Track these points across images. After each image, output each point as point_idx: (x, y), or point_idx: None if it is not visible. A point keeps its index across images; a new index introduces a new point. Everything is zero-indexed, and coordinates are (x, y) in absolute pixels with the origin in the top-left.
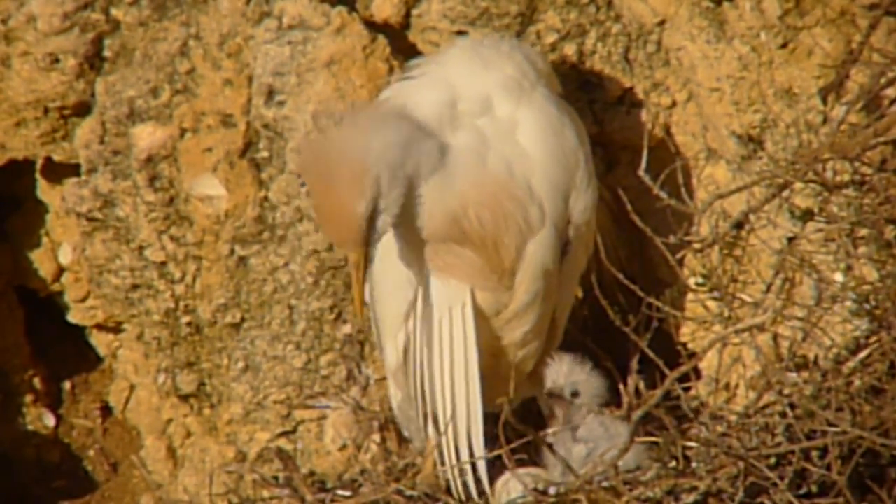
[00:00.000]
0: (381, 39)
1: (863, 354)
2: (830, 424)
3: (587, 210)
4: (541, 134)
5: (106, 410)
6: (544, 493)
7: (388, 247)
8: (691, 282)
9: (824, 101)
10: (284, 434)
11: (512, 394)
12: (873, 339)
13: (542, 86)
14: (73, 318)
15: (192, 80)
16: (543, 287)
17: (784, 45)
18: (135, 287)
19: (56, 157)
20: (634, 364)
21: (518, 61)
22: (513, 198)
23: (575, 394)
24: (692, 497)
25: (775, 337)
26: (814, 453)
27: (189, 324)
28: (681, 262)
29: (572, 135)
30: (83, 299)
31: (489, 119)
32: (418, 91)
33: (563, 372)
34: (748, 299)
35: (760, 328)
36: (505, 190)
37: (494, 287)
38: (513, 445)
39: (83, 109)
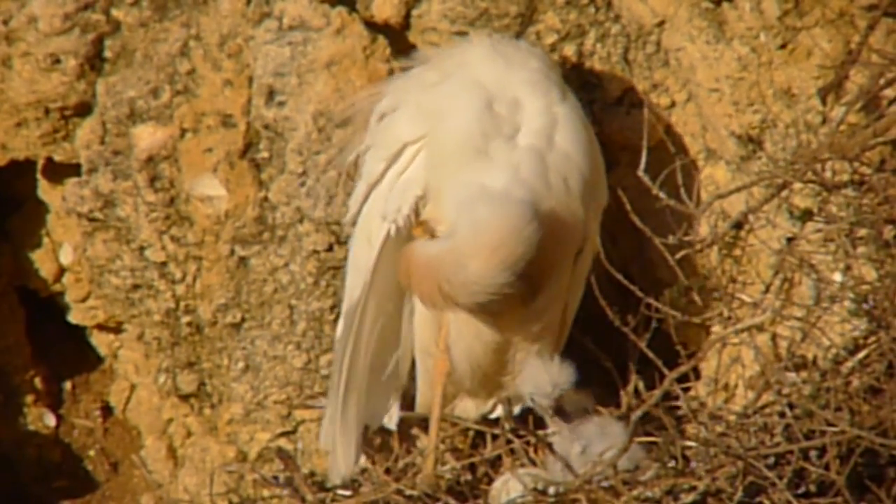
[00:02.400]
0: (382, 40)
1: (861, 354)
2: (829, 424)
3: (602, 207)
4: (577, 134)
5: (106, 410)
6: (544, 492)
7: (365, 223)
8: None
9: (823, 102)
10: (285, 434)
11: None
12: (872, 339)
13: (564, 83)
14: (73, 318)
15: (192, 80)
16: (559, 287)
17: (783, 46)
18: (135, 287)
19: (57, 158)
20: (633, 364)
21: (540, 55)
22: (571, 215)
23: (563, 397)
24: (691, 497)
25: (774, 337)
26: (812, 453)
27: (189, 324)
28: (680, 263)
29: (592, 131)
30: (84, 299)
31: (523, 120)
32: (454, 96)
33: (542, 383)
34: (747, 299)
35: (759, 328)
36: (566, 207)
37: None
38: (512, 446)
39: (84, 110)
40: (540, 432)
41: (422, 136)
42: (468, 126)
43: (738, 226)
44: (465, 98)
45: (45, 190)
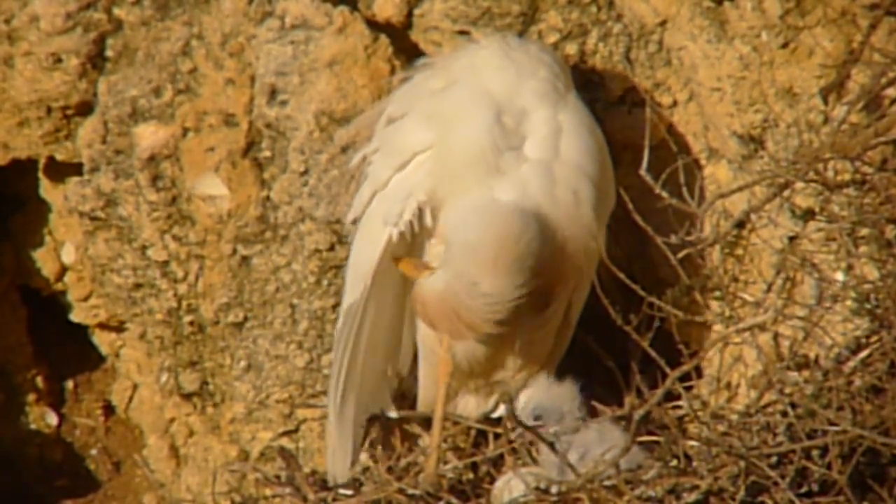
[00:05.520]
0: (384, 39)
1: (863, 354)
2: (831, 423)
3: (610, 211)
4: (584, 142)
5: (108, 409)
6: (546, 491)
7: (367, 225)
8: None
9: (825, 101)
10: (287, 433)
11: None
12: (874, 338)
13: (571, 86)
14: (75, 317)
15: (194, 79)
16: (567, 293)
17: (785, 45)
18: (137, 286)
19: (59, 157)
20: (636, 364)
21: (548, 63)
22: (581, 225)
23: (538, 417)
24: (693, 496)
25: (776, 336)
26: (815, 452)
27: (191, 323)
28: (682, 262)
29: (601, 134)
30: (86, 298)
31: (528, 131)
32: (464, 107)
33: (521, 400)
34: (749, 298)
35: (761, 327)
36: (575, 218)
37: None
38: (514, 445)
39: (86, 109)
40: (541, 431)
41: (431, 145)
42: (478, 140)
43: (740, 225)
44: (475, 110)
45: (46, 189)
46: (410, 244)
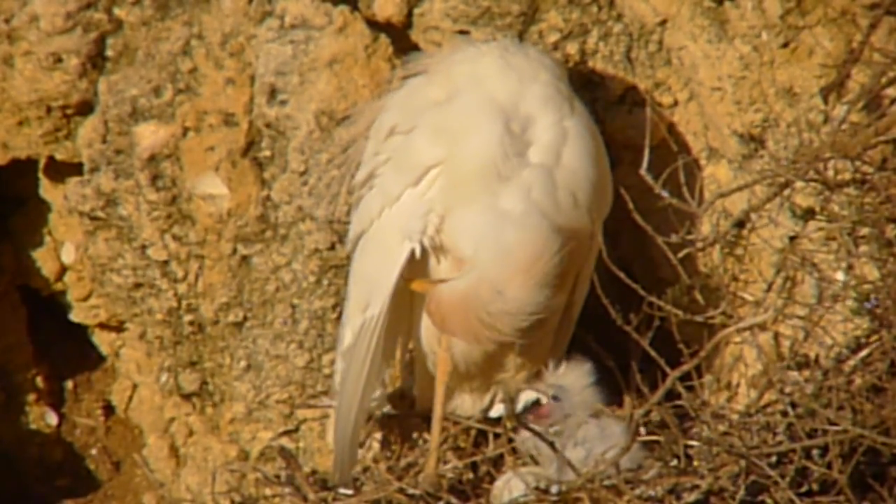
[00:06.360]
0: (384, 39)
1: (864, 353)
2: (831, 423)
3: (607, 210)
4: (586, 147)
5: (108, 409)
6: (546, 491)
7: (378, 238)
8: None
9: (825, 101)
10: (287, 433)
11: (513, 391)
12: (874, 337)
13: (571, 89)
14: (75, 317)
15: (194, 79)
16: (564, 294)
17: (785, 45)
18: (137, 286)
19: (59, 157)
20: (636, 363)
21: (549, 65)
22: (580, 227)
23: (555, 397)
24: (694, 495)
25: (776, 336)
26: (815, 452)
27: (191, 323)
28: (682, 261)
29: (599, 134)
30: (86, 298)
31: (534, 136)
32: (473, 118)
33: (547, 375)
34: (749, 298)
35: (762, 327)
36: (574, 220)
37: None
38: (514, 445)
39: (86, 109)
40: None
41: (443, 160)
42: (490, 151)
43: (741, 224)
44: (485, 120)
45: (46, 189)
46: (419, 259)
